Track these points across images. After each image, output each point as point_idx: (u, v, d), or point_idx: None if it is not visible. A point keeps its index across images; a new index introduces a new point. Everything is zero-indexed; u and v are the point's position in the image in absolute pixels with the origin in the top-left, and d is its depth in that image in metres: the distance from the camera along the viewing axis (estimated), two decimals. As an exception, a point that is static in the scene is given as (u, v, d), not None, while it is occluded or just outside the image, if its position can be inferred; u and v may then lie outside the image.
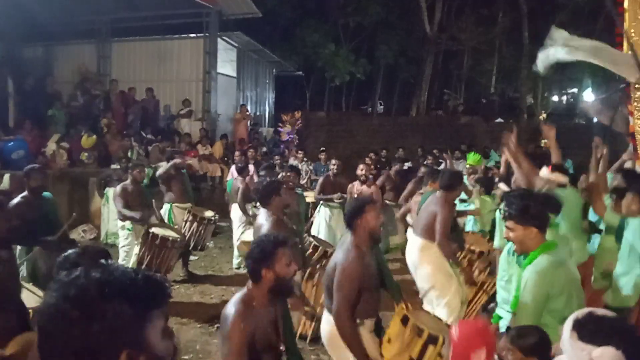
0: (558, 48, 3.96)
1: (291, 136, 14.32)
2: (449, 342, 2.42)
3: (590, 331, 1.53)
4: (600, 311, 1.63)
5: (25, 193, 5.18)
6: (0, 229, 3.38)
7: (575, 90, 24.45)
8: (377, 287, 3.60)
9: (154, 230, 6.04)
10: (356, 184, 7.38)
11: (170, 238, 6.07)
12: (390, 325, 3.47)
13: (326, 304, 3.64)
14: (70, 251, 2.27)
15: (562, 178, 4.40)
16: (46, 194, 5.38)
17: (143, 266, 5.80)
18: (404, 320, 3.34)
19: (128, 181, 6.64)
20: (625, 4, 4.15)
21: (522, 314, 2.85)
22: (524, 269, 2.94)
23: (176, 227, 6.87)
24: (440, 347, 3.21)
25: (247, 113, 14.72)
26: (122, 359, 1.04)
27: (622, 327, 1.59)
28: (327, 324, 3.54)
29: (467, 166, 7.73)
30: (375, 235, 3.53)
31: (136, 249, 6.24)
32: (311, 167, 10.99)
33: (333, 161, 8.04)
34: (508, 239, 3.06)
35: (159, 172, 7.37)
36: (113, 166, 9.53)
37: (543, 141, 17.06)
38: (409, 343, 3.27)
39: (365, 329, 3.46)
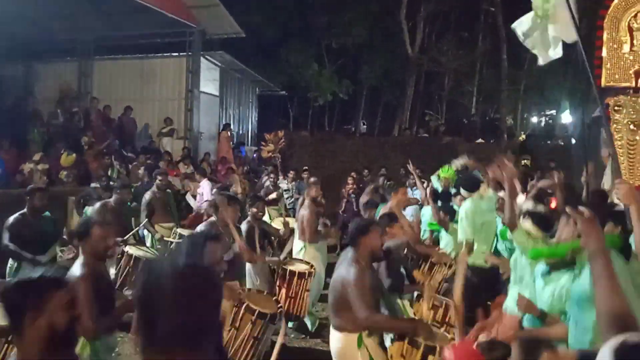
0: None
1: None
2: None
3: None
4: (634, 337, 1.45)
5: (24, 210, 5.17)
6: None
7: (553, 112, 24.93)
8: (378, 302, 3.74)
9: (128, 249, 5.89)
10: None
11: (144, 258, 5.89)
12: (390, 343, 3.53)
13: (332, 322, 3.72)
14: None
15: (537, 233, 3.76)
16: (46, 213, 5.36)
17: (117, 286, 5.66)
18: (402, 335, 3.38)
19: (112, 200, 6.57)
20: (605, 29, 4.29)
21: None
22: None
23: (159, 247, 6.77)
24: (439, 355, 3.23)
25: (228, 134, 14.71)
26: None
27: None
28: (336, 341, 3.64)
29: (443, 178, 7.74)
30: (375, 255, 3.71)
31: (112, 270, 6.10)
32: (290, 186, 10.87)
33: (312, 179, 7.88)
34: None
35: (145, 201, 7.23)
36: (93, 185, 9.40)
37: (524, 161, 17.27)
38: (407, 356, 3.30)
39: (375, 341, 3.57)
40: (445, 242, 6.32)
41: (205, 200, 8.55)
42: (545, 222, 3.71)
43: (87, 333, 3.00)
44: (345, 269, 3.58)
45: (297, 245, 6.66)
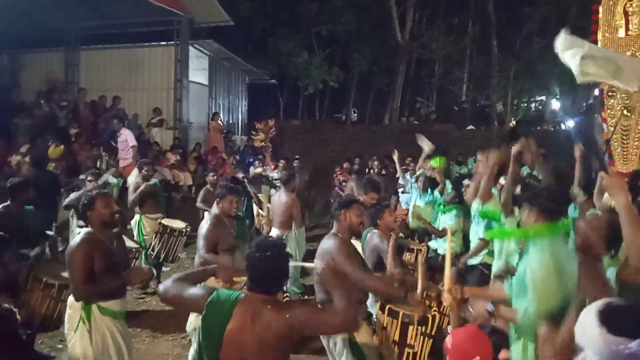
0: (577, 56, 3.79)
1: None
2: (444, 353, 2.43)
3: (620, 323, 1.48)
4: (615, 300, 1.60)
5: (7, 203, 5.20)
6: None
7: (543, 97, 24.98)
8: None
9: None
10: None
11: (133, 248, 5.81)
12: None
13: (317, 297, 3.74)
14: None
15: None
16: (27, 206, 5.34)
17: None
18: (382, 308, 3.40)
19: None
20: (600, 13, 4.28)
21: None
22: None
23: (146, 237, 6.74)
24: (418, 323, 3.25)
25: (220, 122, 14.60)
26: None
27: None
28: None
29: (434, 168, 7.77)
30: (354, 231, 3.73)
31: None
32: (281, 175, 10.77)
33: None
34: None
35: (132, 198, 7.13)
36: (82, 176, 9.28)
37: (513, 148, 17.27)
38: (389, 328, 3.31)
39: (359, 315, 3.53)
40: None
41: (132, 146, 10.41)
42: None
43: (77, 295, 3.47)
44: (327, 241, 3.65)
45: (275, 234, 6.64)
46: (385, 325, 3.41)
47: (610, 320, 1.49)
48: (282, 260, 2.52)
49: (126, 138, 10.56)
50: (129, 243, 5.87)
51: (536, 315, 2.64)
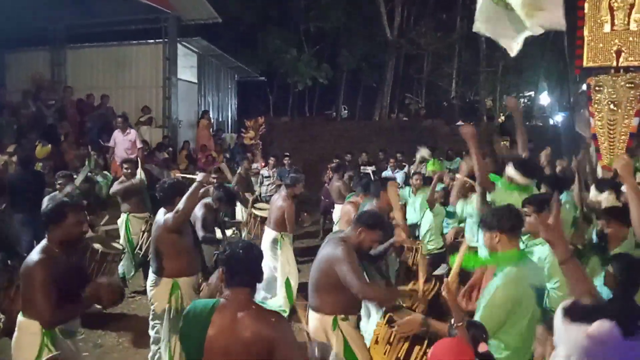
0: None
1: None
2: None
3: (580, 313, 1.68)
4: (584, 301, 1.83)
5: None
6: None
7: (532, 93, 25.14)
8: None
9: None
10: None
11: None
12: (377, 327, 3.52)
13: (310, 302, 3.70)
14: None
15: (520, 179, 3.95)
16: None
17: None
18: (390, 322, 3.39)
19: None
20: (586, 9, 4.31)
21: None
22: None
23: (134, 237, 6.70)
24: (426, 345, 3.25)
25: (207, 121, 14.54)
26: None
27: (605, 305, 1.84)
28: (312, 321, 3.65)
29: (432, 173, 7.96)
30: (361, 249, 3.64)
31: None
32: (271, 173, 10.77)
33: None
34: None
35: (113, 189, 7.11)
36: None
37: (503, 142, 17.41)
38: (394, 343, 3.30)
39: (350, 325, 3.58)
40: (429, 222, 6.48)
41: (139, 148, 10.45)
42: (528, 167, 3.83)
43: (42, 322, 3.05)
44: (331, 248, 3.58)
45: (270, 235, 6.62)
46: (390, 340, 3.39)
47: (571, 312, 1.70)
48: (258, 253, 2.66)
49: (135, 138, 10.57)
50: (108, 246, 5.67)
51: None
